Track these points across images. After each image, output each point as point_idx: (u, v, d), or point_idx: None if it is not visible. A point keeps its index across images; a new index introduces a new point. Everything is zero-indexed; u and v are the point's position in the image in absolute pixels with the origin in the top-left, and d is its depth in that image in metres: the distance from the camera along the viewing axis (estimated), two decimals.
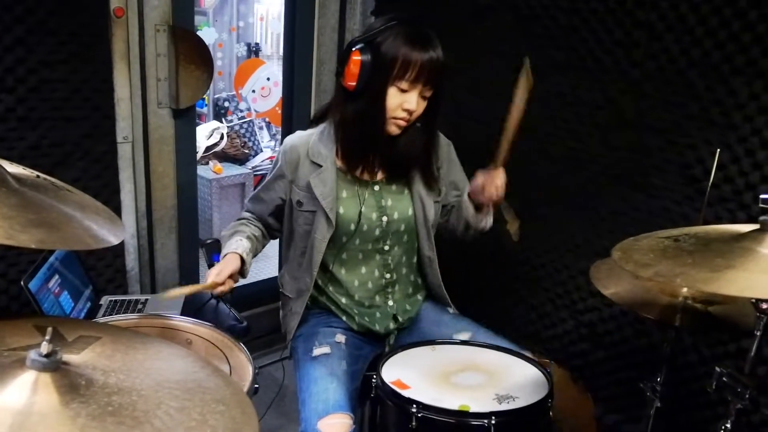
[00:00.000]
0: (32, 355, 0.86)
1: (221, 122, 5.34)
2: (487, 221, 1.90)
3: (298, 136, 1.85)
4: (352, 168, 1.80)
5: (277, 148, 5.51)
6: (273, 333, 2.02)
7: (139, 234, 2.55)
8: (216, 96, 5.68)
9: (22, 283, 1.78)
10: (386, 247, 1.85)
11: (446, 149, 1.96)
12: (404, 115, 1.68)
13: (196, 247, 2.83)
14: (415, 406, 1.43)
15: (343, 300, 1.87)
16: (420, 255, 1.92)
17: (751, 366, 1.28)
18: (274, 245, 2.49)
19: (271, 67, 5.37)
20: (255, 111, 5.40)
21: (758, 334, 1.25)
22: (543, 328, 2.48)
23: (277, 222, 1.95)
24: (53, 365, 0.86)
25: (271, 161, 5.20)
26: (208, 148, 4.89)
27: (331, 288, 1.88)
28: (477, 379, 1.58)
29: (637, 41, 2.02)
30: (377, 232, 1.82)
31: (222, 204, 4.58)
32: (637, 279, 1.60)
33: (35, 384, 0.84)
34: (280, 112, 4.34)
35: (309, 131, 1.86)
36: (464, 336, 1.83)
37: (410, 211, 1.85)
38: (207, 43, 2.58)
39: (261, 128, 5.76)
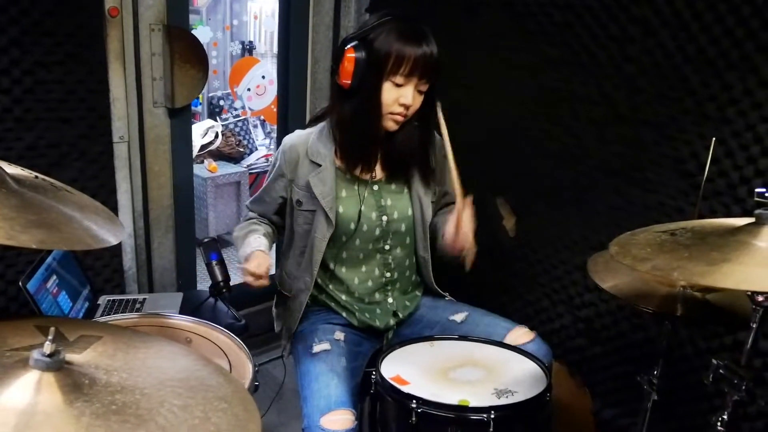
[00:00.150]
0: (35, 355, 0.86)
1: (216, 121, 5.33)
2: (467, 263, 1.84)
3: (297, 136, 1.86)
4: (351, 167, 1.80)
5: (272, 147, 5.52)
6: (271, 331, 2.03)
7: (136, 234, 2.55)
8: (210, 95, 5.67)
9: (20, 283, 1.78)
10: (387, 247, 1.85)
11: (439, 146, 1.96)
12: (401, 109, 1.68)
13: (193, 246, 2.83)
14: (414, 401, 1.44)
15: (343, 297, 1.88)
16: (416, 256, 1.93)
17: (747, 358, 1.29)
18: None
19: (266, 65, 5.36)
20: (250, 109, 5.39)
21: (754, 326, 1.26)
22: (540, 324, 2.49)
23: (282, 220, 1.96)
24: (56, 365, 0.87)
25: (267, 159, 5.23)
26: (203, 147, 4.89)
27: (331, 286, 1.89)
28: (476, 374, 1.60)
29: (632, 37, 2.03)
30: (377, 231, 1.83)
31: (217, 203, 4.58)
32: (635, 271, 1.61)
33: (39, 384, 0.85)
34: (275, 110, 4.33)
35: (308, 130, 1.86)
36: (460, 316, 1.87)
37: (410, 211, 1.86)
38: (202, 42, 2.58)
39: (256, 126, 5.75)
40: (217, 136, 4.99)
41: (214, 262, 2.15)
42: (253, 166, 5.14)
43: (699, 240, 1.21)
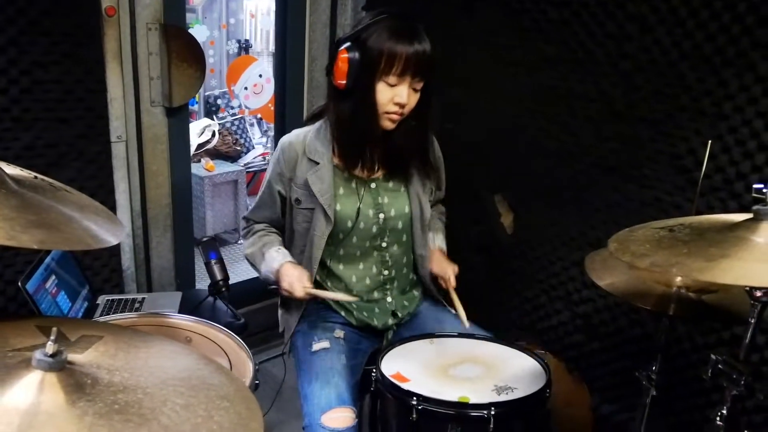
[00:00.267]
0: (37, 355, 0.86)
1: (212, 119, 5.33)
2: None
3: (295, 134, 1.85)
4: (349, 165, 1.80)
5: (269, 145, 5.52)
6: (269, 329, 2.03)
7: (134, 233, 2.55)
8: (207, 93, 5.66)
9: (19, 283, 1.78)
10: (384, 245, 1.86)
11: (436, 150, 1.97)
12: (396, 109, 1.68)
13: (192, 245, 2.83)
14: (415, 398, 1.44)
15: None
16: (413, 253, 1.93)
17: (745, 353, 1.30)
18: None
19: (263, 63, 5.36)
20: (247, 108, 5.39)
21: (752, 321, 1.27)
22: (538, 320, 2.50)
23: (284, 220, 1.94)
24: (59, 365, 0.87)
25: (264, 158, 5.23)
26: (199, 146, 4.89)
27: (329, 283, 1.89)
28: (475, 371, 1.60)
29: (629, 34, 2.04)
30: (374, 229, 1.83)
31: (215, 202, 4.57)
32: (633, 269, 1.62)
33: (41, 384, 0.85)
34: (272, 108, 4.34)
35: (305, 129, 1.86)
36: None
37: (407, 209, 1.86)
38: (198, 41, 2.58)
39: (252, 125, 5.75)
40: (213, 134, 4.99)
41: (213, 261, 2.15)
42: (250, 165, 5.14)
43: (697, 236, 1.21)
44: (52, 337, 0.87)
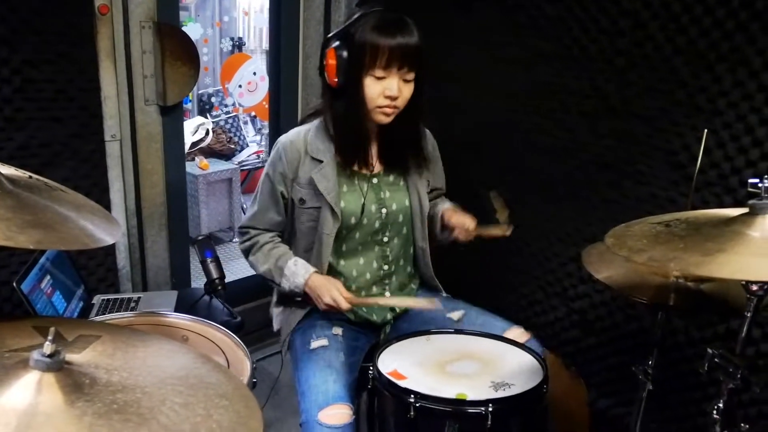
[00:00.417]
0: (35, 355, 0.86)
1: (206, 118, 5.31)
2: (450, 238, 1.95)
3: (295, 133, 1.84)
4: (349, 162, 1.80)
5: (263, 143, 5.51)
6: (266, 327, 2.02)
7: (129, 232, 2.55)
8: (200, 92, 5.65)
9: (14, 284, 1.77)
10: (385, 239, 1.86)
11: (433, 145, 1.98)
12: (388, 102, 1.68)
13: (187, 244, 2.83)
14: (412, 396, 1.44)
15: None
16: (414, 246, 1.93)
17: (741, 346, 1.30)
18: None
19: (257, 61, 5.34)
20: (241, 106, 5.38)
21: (749, 315, 1.27)
22: (534, 315, 2.50)
23: (285, 220, 1.91)
24: (57, 365, 0.86)
25: (258, 156, 5.22)
26: (193, 144, 4.87)
27: None
28: (472, 367, 1.60)
29: (623, 29, 2.04)
30: (377, 224, 1.83)
31: (209, 200, 4.57)
32: (630, 261, 1.62)
33: (39, 384, 0.84)
34: (267, 106, 4.33)
35: (304, 127, 1.85)
36: (457, 314, 1.87)
37: (407, 202, 1.86)
38: (192, 39, 2.57)
39: (246, 123, 5.75)
40: (207, 133, 4.98)
41: (208, 260, 2.15)
42: (244, 163, 5.14)
43: (693, 231, 1.22)
44: (50, 337, 0.86)
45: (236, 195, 4.73)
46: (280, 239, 1.92)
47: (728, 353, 1.30)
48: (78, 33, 2.18)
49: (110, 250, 2.46)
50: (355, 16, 1.68)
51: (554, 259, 2.41)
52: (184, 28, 2.67)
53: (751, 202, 1.21)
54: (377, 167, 1.85)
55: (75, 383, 0.87)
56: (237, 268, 3.80)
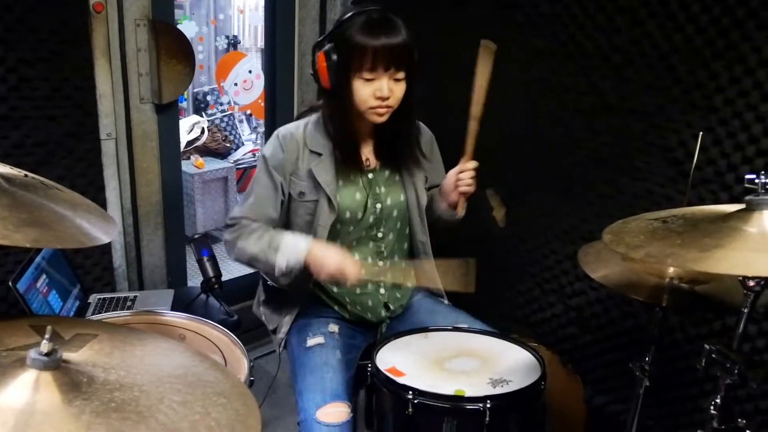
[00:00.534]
0: (32, 354, 0.85)
1: (201, 116, 5.30)
2: (459, 213, 1.88)
3: (294, 126, 1.82)
4: (346, 159, 1.79)
5: (258, 141, 5.49)
6: (262, 326, 2.02)
7: (125, 231, 2.54)
8: (196, 90, 5.63)
9: (10, 283, 1.77)
10: (380, 234, 1.85)
11: (430, 140, 1.97)
12: (379, 103, 1.66)
13: (183, 242, 2.82)
14: (411, 392, 1.44)
15: (335, 289, 1.88)
16: (413, 241, 1.93)
17: (738, 342, 1.31)
18: None
19: (252, 59, 5.33)
20: (237, 104, 5.36)
21: (746, 311, 1.28)
22: (531, 313, 2.50)
23: (278, 215, 1.84)
24: (54, 363, 0.86)
25: (254, 154, 5.21)
26: (189, 143, 4.86)
27: None
28: (471, 364, 1.60)
29: (619, 27, 2.04)
30: (371, 219, 1.83)
31: (205, 199, 4.55)
32: (627, 261, 1.63)
33: (36, 383, 0.84)
34: (262, 104, 4.32)
35: (302, 121, 1.83)
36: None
37: (402, 197, 1.86)
38: (187, 37, 2.56)
39: (242, 122, 5.73)
40: (203, 131, 4.97)
41: (205, 258, 2.15)
42: (240, 162, 5.12)
43: (691, 227, 1.22)
44: (47, 336, 0.86)
45: (232, 194, 4.72)
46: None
47: (725, 349, 1.30)
48: (73, 31, 2.17)
49: (106, 248, 2.45)
50: (344, 17, 1.66)
51: (551, 257, 2.41)
52: (179, 26, 2.67)
53: (747, 197, 1.21)
54: (374, 163, 1.85)
55: (72, 382, 0.86)
56: (233, 267, 3.78)
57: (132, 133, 2.46)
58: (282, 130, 1.81)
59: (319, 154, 1.76)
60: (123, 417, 0.83)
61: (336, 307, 1.88)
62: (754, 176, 1.22)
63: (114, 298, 2.24)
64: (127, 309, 2.13)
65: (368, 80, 1.64)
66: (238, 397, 0.97)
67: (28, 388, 0.83)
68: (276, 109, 3.02)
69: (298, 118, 1.88)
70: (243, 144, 5.42)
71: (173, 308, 2.15)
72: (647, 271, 1.64)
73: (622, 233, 1.26)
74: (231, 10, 6.01)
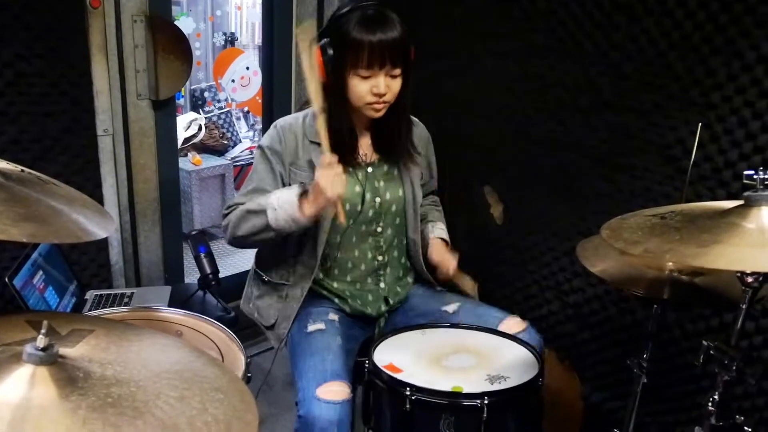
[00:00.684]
0: (28, 349, 0.85)
1: (199, 113, 5.29)
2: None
3: (293, 117, 1.82)
4: (343, 154, 1.78)
5: (255, 139, 5.48)
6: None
7: (122, 227, 2.53)
8: (193, 87, 5.62)
9: (6, 279, 1.76)
10: (379, 229, 1.85)
11: (426, 139, 1.97)
12: (376, 99, 1.67)
13: (180, 239, 2.81)
14: (408, 388, 1.44)
15: (335, 284, 1.88)
16: (406, 237, 1.93)
17: (736, 338, 1.31)
18: None
19: (250, 56, 5.32)
20: (234, 101, 5.35)
21: (744, 307, 1.28)
22: (529, 310, 2.50)
23: None
24: (50, 359, 0.86)
25: (251, 152, 5.20)
26: (186, 140, 4.85)
27: (324, 270, 1.87)
28: (468, 360, 1.60)
29: (617, 23, 2.04)
30: (371, 213, 1.83)
31: (202, 196, 4.55)
32: (626, 254, 1.62)
33: (33, 378, 0.84)
34: (260, 101, 4.31)
35: (302, 113, 1.83)
36: (452, 307, 1.87)
37: (400, 192, 1.86)
38: (185, 33, 2.55)
39: (239, 119, 5.72)
40: (200, 128, 4.95)
41: (202, 255, 2.15)
42: (237, 159, 5.11)
43: (689, 223, 1.22)
44: (43, 331, 0.85)
45: (229, 191, 4.71)
46: None
47: (724, 345, 1.30)
48: (69, 27, 2.16)
49: (103, 245, 2.45)
50: (340, 12, 1.66)
51: (548, 253, 2.41)
52: (176, 23, 2.66)
53: (746, 193, 1.21)
54: (372, 157, 1.84)
55: (69, 377, 0.86)
56: (231, 264, 3.79)
57: (129, 130, 2.46)
58: (281, 121, 1.82)
59: (319, 144, 1.75)
60: (119, 412, 0.83)
61: (336, 300, 1.88)
62: (752, 172, 1.22)
63: (111, 294, 2.23)
64: (124, 305, 2.12)
65: (365, 78, 1.64)
66: (235, 393, 0.96)
67: (24, 383, 0.83)
68: (273, 106, 3.02)
69: (300, 109, 1.88)
70: (240, 141, 5.41)
71: (170, 305, 2.15)
72: (646, 264, 1.64)
73: (621, 229, 1.26)
74: (228, 7, 5.99)
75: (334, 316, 1.82)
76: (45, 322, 0.86)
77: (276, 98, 3.00)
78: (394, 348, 1.65)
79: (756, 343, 1.87)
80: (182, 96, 5.54)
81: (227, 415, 0.90)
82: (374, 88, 1.65)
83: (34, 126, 2.13)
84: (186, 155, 4.66)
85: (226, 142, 5.25)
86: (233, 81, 4.99)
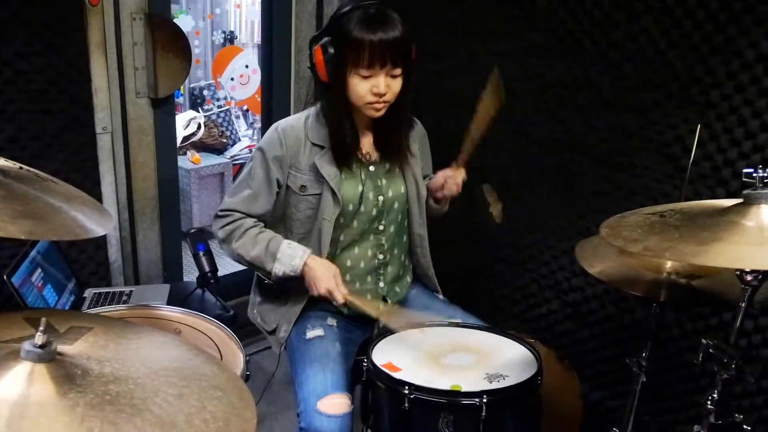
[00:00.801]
0: (26, 346, 0.85)
1: (198, 112, 5.28)
2: (444, 209, 1.98)
3: (295, 119, 1.80)
4: (344, 153, 1.78)
5: (255, 137, 5.47)
6: None
7: (121, 225, 2.53)
8: (192, 85, 5.61)
9: (5, 277, 1.76)
10: (381, 227, 1.85)
11: (422, 135, 1.97)
12: (376, 99, 1.66)
13: (179, 237, 2.81)
14: (407, 387, 1.44)
15: None
16: (410, 233, 1.93)
17: (735, 337, 1.31)
18: None
19: (249, 54, 5.31)
20: (234, 99, 5.34)
21: (743, 305, 1.28)
22: (528, 309, 2.50)
23: (269, 211, 1.82)
24: (48, 356, 0.86)
25: (250, 150, 5.19)
26: (185, 138, 4.84)
27: None
28: (467, 359, 1.60)
29: (617, 22, 2.04)
30: (374, 212, 1.82)
31: (201, 194, 4.54)
32: (624, 255, 1.63)
33: (31, 375, 0.83)
34: (259, 99, 4.30)
35: (302, 114, 1.82)
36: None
37: (402, 189, 1.85)
38: (184, 31, 2.55)
39: (238, 117, 5.71)
40: (199, 127, 4.94)
41: (201, 253, 2.14)
42: (236, 157, 5.10)
43: (688, 221, 1.22)
44: (41, 328, 0.85)
45: (228, 189, 4.70)
46: (263, 225, 1.84)
47: (723, 344, 1.30)
48: (68, 24, 2.16)
49: (101, 243, 2.44)
50: (341, 11, 1.65)
51: (548, 252, 2.41)
52: (175, 21, 2.65)
53: (745, 192, 1.21)
54: (374, 155, 1.84)
55: (67, 374, 0.86)
56: (229, 262, 3.75)
57: (128, 128, 2.46)
58: (282, 123, 1.80)
59: (322, 147, 1.75)
60: (117, 410, 0.82)
61: (334, 302, 1.88)
62: (752, 170, 1.22)
63: (110, 292, 2.23)
64: (123, 303, 2.12)
65: (365, 78, 1.63)
66: (233, 391, 0.96)
67: (23, 380, 0.83)
68: (273, 104, 3.02)
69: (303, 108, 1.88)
70: (240, 140, 5.40)
71: (169, 303, 2.14)
72: (644, 266, 1.64)
73: (620, 227, 1.25)
74: (228, 5, 5.97)
75: (332, 321, 1.82)
76: (43, 319, 0.86)
77: (275, 97, 3.00)
78: (393, 346, 1.65)
79: (755, 341, 1.87)
80: (181, 94, 5.53)
81: (225, 413, 0.90)
82: (374, 88, 1.64)
83: (33, 123, 2.13)
84: (185, 153, 4.65)
85: (225, 140, 5.24)
86: (232, 79, 4.98)
